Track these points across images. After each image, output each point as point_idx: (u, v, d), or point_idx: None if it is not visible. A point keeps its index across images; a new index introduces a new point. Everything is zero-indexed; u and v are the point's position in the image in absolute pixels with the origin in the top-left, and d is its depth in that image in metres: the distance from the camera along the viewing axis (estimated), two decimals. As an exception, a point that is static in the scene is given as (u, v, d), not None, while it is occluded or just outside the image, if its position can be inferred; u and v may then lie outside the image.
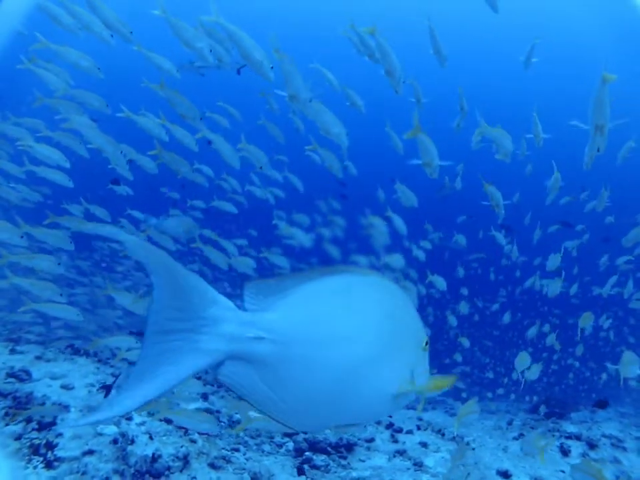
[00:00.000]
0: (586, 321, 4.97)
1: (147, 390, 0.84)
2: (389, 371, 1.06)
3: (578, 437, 6.63)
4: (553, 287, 5.06)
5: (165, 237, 5.08)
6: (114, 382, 4.79)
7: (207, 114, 4.89)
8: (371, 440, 5.27)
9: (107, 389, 4.72)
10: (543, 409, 7.43)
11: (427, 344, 1.16)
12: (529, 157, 5.17)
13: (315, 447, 4.78)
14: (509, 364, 9.72)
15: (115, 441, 3.73)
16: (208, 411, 5.14)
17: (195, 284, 0.90)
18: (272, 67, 2.48)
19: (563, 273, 5.00)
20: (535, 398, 9.56)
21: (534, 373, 5.06)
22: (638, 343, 9.36)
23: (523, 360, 4.49)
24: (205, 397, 5.70)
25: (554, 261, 5.06)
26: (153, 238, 4.99)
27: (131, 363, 4.21)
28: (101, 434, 3.92)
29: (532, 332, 5.20)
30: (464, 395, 9.07)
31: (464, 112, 3.88)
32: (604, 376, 8.97)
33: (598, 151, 2.45)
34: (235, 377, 0.94)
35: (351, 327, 1.01)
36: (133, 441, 3.89)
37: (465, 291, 7.39)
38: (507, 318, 7.03)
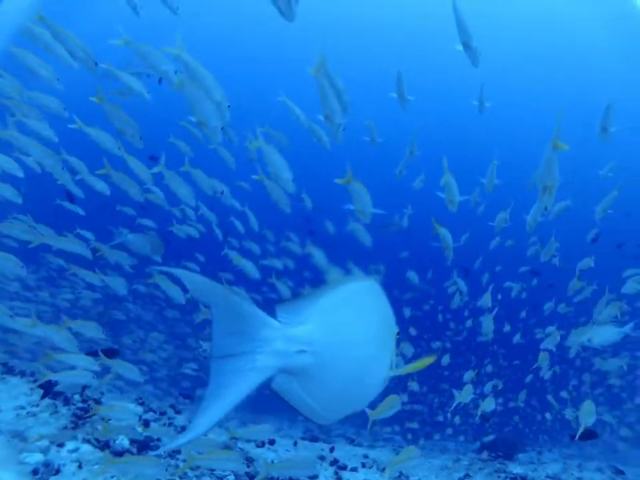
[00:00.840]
0: (543, 360, 5.10)
1: (218, 409, 1.00)
2: (384, 359, 1.24)
3: (523, 478, 6.69)
4: (486, 324, 5.16)
5: (122, 254, 4.93)
6: (54, 383, 4.45)
7: (170, 139, 4.85)
8: (314, 477, 5.13)
9: (44, 389, 4.36)
10: (485, 454, 7.49)
11: (397, 333, 1.33)
12: (485, 199, 5.34)
13: (255, 481, 4.60)
14: (458, 404, 9.77)
15: (35, 472, 3.47)
16: (148, 439, 4.91)
17: (249, 310, 1.04)
18: (229, 106, 2.54)
19: (495, 310, 5.16)
20: (486, 437, 9.63)
21: (489, 404, 5.15)
22: (580, 384, 9.60)
23: (465, 393, 4.53)
24: (146, 424, 5.45)
25: (486, 300, 5.14)
26: (108, 258, 4.83)
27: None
28: (22, 463, 3.66)
29: (468, 376, 5.12)
30: (409, 436, 9.01)
31: (412, 156, 4.01)
32: (548, 415, 9.11)
33: (545, 209, 2.58)
34: (283, 385, 1.11)
35: (363, 328, 1.19)
36: (58, 471, 3.65)
37: (413, 331, 7.36)
38: (445, 360, 7.11)
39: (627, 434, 8.99)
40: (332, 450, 5.93)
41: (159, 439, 5.01)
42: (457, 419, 7.87)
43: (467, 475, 6.37)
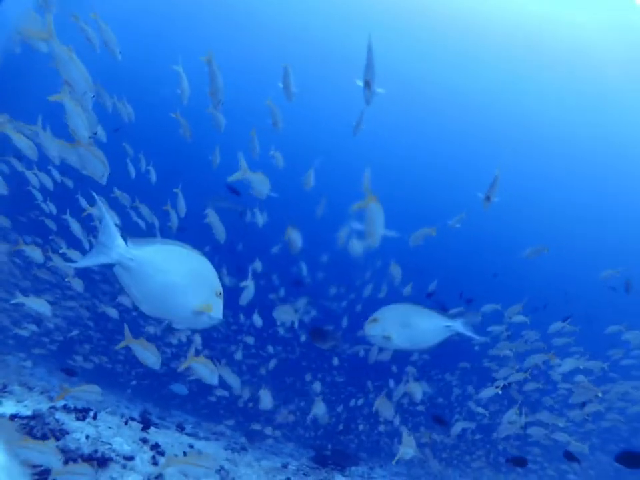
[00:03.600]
0: (384, 407, 5.39)
1: (87, 262, 2.02)
2: (190, 296, 2.09)
3: (347, 490, 7.07)
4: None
5: None
6: None
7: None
8: (130, 458, 4.99)
9: None
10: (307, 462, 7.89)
11: (220, 293, 2.19)
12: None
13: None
14: (299, 410, 10.11)
15: None
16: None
17: (115, 230, 1.98)
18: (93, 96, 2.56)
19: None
20: (329, 447, 10.04)
21: (319, 408, 5.41)
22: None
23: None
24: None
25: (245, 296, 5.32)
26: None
27: None
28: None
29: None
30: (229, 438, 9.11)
31: (254, 153, 4.17)
32: (381, 427, 9.72)
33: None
34: (120, 275, 2.01)
35: (171, 266, 2.05)
36: None
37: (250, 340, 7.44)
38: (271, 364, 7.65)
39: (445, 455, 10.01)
40: (144, 429, 5.82)
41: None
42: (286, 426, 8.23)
43: (288, 479, 6.57)
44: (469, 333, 2.69)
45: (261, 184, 3.24)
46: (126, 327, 3.10)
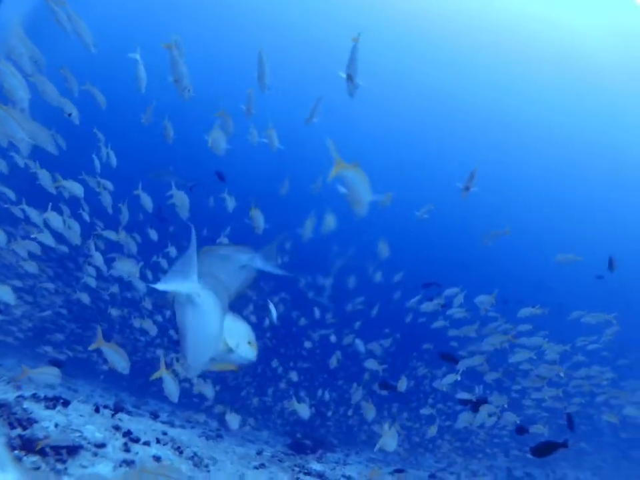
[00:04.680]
0: (369, 411, 5.52)
1: (165, 286, 2.05)
2: (219, 341, 2.28)
3: (320, 475, 7.13)
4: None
5: None
6: None
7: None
8: (102, 445, 4.95)
9: None
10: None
11: (250, 342, 2.42)
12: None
13: (30, 446, 4.30)
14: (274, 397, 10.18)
15: None
16: None
17: (196, 264, 2.06)
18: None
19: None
20: (299, 434, 10.15)
21: (304, 409, 5.50)
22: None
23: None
24: None
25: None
26: None
27: None
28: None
29: None
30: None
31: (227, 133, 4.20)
32: (347, 411, 9.88)
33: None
34: (181, 305, 2.13)
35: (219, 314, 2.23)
36: None
37: None
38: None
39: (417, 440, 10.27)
40: (114, 415, 5.79)
41: None
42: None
43: (262, 465, 6.60)
44: (270, 268, 2.55)
45: (218, 139, 3.32)
46: (99, 328, 3.05)
